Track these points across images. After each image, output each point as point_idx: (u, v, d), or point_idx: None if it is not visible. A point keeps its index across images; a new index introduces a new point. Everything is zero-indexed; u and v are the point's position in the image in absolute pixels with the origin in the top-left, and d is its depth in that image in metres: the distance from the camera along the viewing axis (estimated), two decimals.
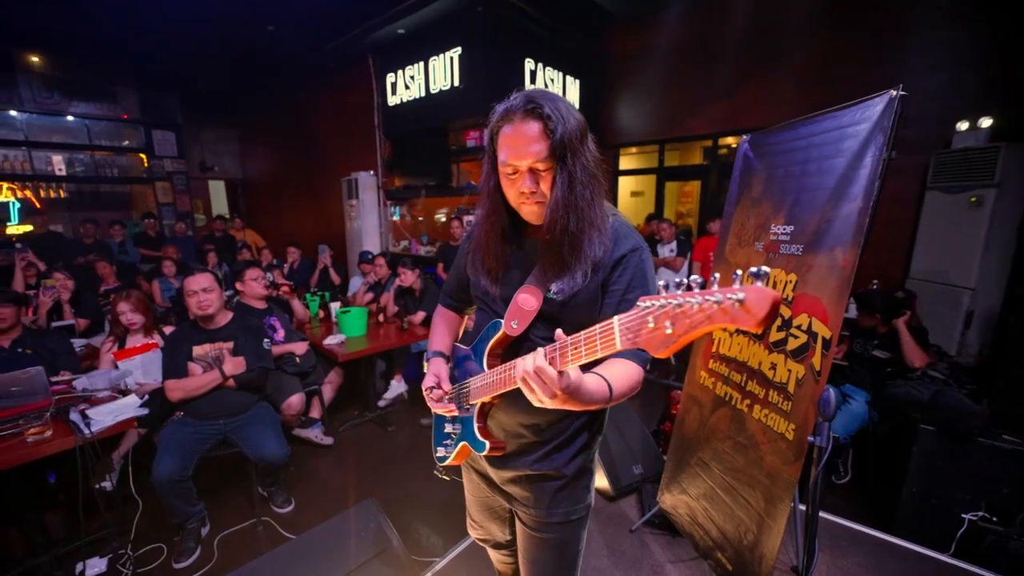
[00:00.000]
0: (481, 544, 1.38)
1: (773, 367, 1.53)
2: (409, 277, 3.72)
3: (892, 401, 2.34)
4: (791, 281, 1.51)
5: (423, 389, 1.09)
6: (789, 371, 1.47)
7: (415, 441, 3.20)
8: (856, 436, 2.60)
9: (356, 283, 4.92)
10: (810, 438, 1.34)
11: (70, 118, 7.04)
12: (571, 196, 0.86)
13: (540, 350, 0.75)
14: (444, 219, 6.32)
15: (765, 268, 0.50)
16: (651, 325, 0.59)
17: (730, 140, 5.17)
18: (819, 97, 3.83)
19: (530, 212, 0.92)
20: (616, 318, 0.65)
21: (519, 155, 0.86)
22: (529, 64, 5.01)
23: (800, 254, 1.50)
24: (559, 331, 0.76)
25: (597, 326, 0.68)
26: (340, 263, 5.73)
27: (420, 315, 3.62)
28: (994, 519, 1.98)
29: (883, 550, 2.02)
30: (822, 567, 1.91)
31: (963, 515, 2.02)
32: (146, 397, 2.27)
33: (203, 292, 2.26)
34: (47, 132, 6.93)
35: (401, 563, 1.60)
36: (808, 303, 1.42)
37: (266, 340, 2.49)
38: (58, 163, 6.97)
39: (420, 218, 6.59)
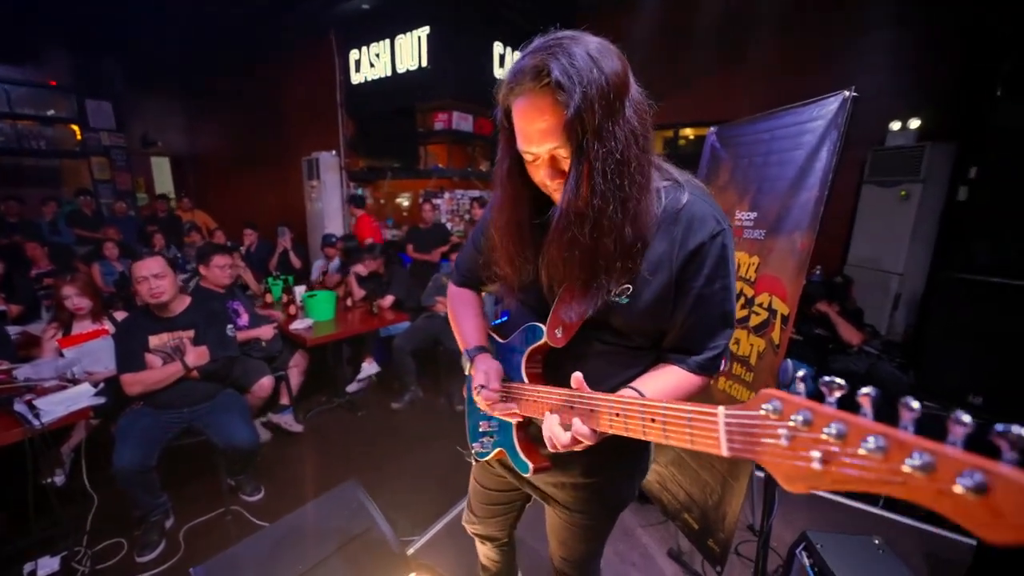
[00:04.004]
0: (475, 537, 1.30)
1: (737, 342, 1.66)
2: (364, 268, 3.71)
3: (833, 374, 2.58)
4: (754, 263, 1.63)
5: (473, 388, 0.89)
6: (751, 345, 1.60)
7: (385, 425, 3.20)
8: None
9: (320, 266, 4.77)
10: None
11: None
12: (604, 190, 0.65)
13: (571, 430, 0.70)
14: (407, 203, 6.20)
15: (1018, 428, 0.30)
16: (784, 444, 0.44)
17: (688, 132, 5.38)
18: (773, 94, 4.05)
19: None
20: (722, 411, 0.50)
21: (530, 139, 0.68)
22: (498, 48, 4.97)
23: (763, 238, 1.62)
24: (630, 391, 0.73)
25: (690, 408, 0.53)
26: (301, 245, 5.51)
27: (389, 299, 3.59)
28: None
29: (824, 504, 2.27)
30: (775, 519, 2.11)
31: None
32: (100, 386, 2.13)
33: (154, 278, 2.05)
34: None
35: (386, 542, 1.62)
36: (769, 283, 1.55)
37: (230, 327, 2.36)
38: None
39: (382, 201, 6.42)
